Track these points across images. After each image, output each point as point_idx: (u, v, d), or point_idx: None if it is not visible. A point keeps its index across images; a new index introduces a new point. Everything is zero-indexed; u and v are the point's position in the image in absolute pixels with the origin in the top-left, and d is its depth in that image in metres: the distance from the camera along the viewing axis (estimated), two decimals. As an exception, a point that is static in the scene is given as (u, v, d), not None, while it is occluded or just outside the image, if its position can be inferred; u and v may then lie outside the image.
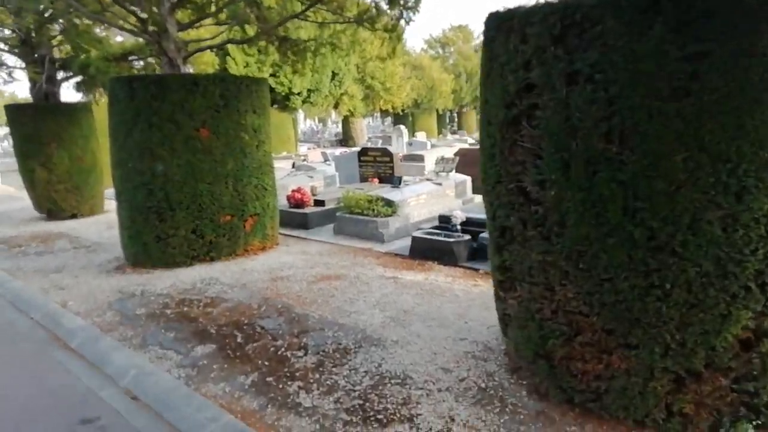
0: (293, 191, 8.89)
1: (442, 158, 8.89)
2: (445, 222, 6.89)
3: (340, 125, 35.36)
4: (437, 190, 8.29)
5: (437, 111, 34.11)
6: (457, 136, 26.65)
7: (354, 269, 6.25)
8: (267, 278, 6.03)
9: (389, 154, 9.87)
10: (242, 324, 4.70)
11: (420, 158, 15.44)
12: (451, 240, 6.26)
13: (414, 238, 6.63)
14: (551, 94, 2.76)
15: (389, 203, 7.65)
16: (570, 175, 2.73)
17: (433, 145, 18.58)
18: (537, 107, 2.87)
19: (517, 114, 3.00)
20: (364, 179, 10.30)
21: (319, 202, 8.88)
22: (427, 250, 6.50)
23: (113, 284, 6.12)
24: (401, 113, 31.96)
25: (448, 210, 8.15)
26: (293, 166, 14.05)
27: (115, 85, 6.71)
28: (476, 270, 6.00)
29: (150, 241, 6.60)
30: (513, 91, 2.99)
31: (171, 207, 6.53)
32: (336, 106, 26.75)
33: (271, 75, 20.17)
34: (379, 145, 20.69)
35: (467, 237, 6.28)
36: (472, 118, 39.03)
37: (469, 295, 5.18)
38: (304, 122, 50.15)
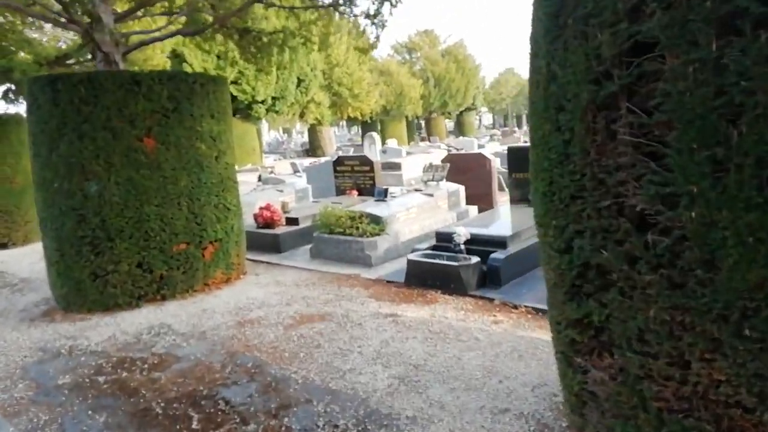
0: (261, 209, 7.68)
1: (431, 165, 7.85)
2: (444, 240, 5.80)
3: (305, 135, 34.13)
4: (428, 202, 7.21)
5: (407, 117, 33.24)
6: (428, 143, 25.77)
7: (341, 305, 5.08)
8: (233, 322, 4.81)
9: (369, 163, 8.76)
10: (200, 397, 3.48)
11: (397, 166, 14.38)
12: (458, 264, 5.17)
13: (411, 262, 5.51)
14: (688, 54, 1.70)
15: (376, 220, 6.52)
16: (728, 184, 1.66)
17: (408, 153, 17.57)
18: (656, 77, 1.80)
19: (615, 91, 1.93)
20: (341, 192, 9.15)
21: (291, 221, 7.69)
22: (427, 276, 5.39)
23: (35, 338, 4.80)
24: (369, 120, 30.94)
25: (442, 224, 7.08)
26: (259, 179, 12.79)
27: (34, 87, 5.41)
28: (491, 300, 4.92)
29: (84, 279, 5.31)
30: (608, 55, 1.92)
31: (109, 236, 5.26)
32: (302, 115, 25.54)
33: (232, 82, 18.84)
34: (351, 154, 19.57)
35: (476, 259, 5.21)
36: (441, 124, 38.33)
37: (491, 338, 4.09)
38: (268, 133, 48.67)
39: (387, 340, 4.16)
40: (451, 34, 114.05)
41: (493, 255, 5.30)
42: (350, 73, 25.74)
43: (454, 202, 7.64)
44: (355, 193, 8.77)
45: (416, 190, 7.54)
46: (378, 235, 6.46)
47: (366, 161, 8.79)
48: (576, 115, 2.10)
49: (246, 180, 12.55)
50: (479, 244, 5.54)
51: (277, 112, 20.78)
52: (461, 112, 39.10)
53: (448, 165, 7.75)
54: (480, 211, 7.93)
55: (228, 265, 6.02)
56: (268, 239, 7.43)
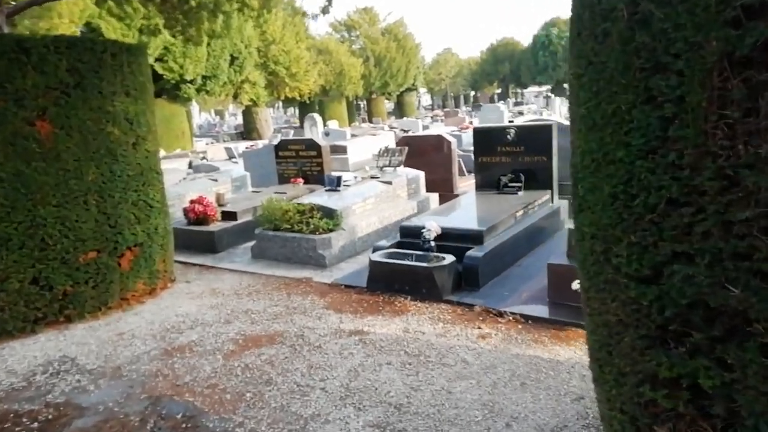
0: (192, 202, 6.62)
1: (387, 149, 7.05)
2: (410, 236, 5.04)
3: (239, 117, 32.38)
4: (387, 190, 6.41)
5: (347, 98, 32.15)
6: (371, 124, 24.88)
7: (293, 320, 4.22)
8: (157, 351, 3.85)
9: (316, 148, 7.83)
10: (109, 475, 2.56)
11: (342, 150, 13.48)
12: (431, 265, 4.41)
13: (374, 263, 4.71)
14: None
15: (329, 213, 5.65)
16: None
17: (353, 135, 16.65)
18: None
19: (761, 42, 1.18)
20: (284, 180, 8.18)
21: (228, 215, 6.69)
22: (393, 280, 4.61)
23: None
24: (308, 101, 29.63)
25: (402, 215, 6.31)
26: (190, 166, 11.54)
27: None
28: (470, 307, 4.20)
29: (-39, 302, 4.16)
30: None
31: (-9, 246, 4.12)
32: (236, 96, 23.97)
33: (157, 59, 17.18)
34: (292, 137, 18.43)
35: (451, 258, 4.47)
36: (382, 104, 37.49)
37: (483, 360, 3.37)
38: (199, 115, 46.17)
39: (356, 369, 3.35)
40: (390, 11, 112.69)
41: (469, 253, 4.58)
42: (287, 51, 24.34)
43: (413, 190, 6.88)
44: (300, 181, 7.84)
45: (372, 177, 6.71)
46: (332, 230, 5.60)
47: (312, 145, 7.86)
48: (691, 79, 1.34)
49: (174, 167, 11.28)
50: (451, 240, 4.81)
51: (208, 92, 19.23)
52: (402, 93, 38.40)
53: (406, 148, 6.96)
54: (441, 199, 7.22)
55: (152, 274, 4.99)
56: (202, 238, 6.40)
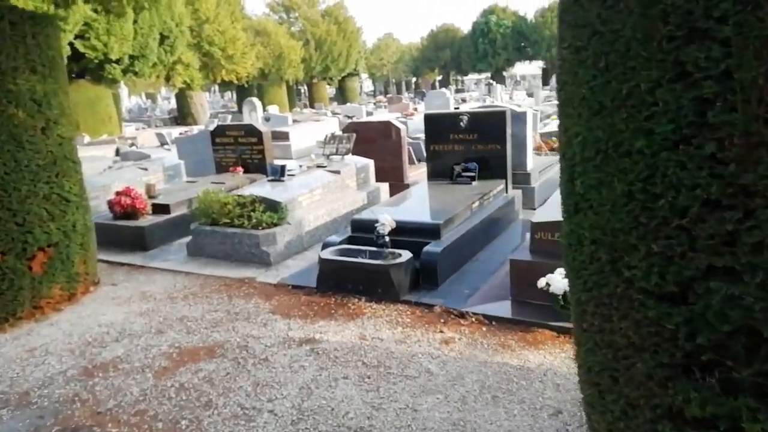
0: (119, 194, 5.98)
1: (333, 136, 6.63)
2: (362, 230, 4.69)
3: (173, 101, 30.78)
4: (335, 180, 6.01)
5: (287, 82, 31.16)
6: (313, 110, 24.21)
7: (236, 327, 3.79)
8: (75, 370, 3.33)
9: (257, 134, 7.29)
10: None
11: (284, 136, 12.89)
12: (387, 263, 4.08)
13: (324, 261, 4.33)
14: None
15: (273, 206, 5.20)
16: None
17: (295, 121, 16.02)
18: None
19: None
20: (222, 169, 7.60)
21: (160, 208, 6.09)
22: (346, 279, 4.26)
23: None
24: (246, 85, 28.50)
25: (351, 207, 5.95)
26: (117, 153, 10.66)
27: None
28: (430, 308, 3.91)
29: None
30: None
31: None
32: (168, 78, 22.63)
33: (78, 37, 15.83)
34: (229, 122, 17.55)
35: (408, 255, 4.16)
36: (323, 89, 36.71)
37: (448, 369, 3.08)
38: (129, 99, 43.70)
39: (308, 386, 2.98)
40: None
41: (427, 248, 4.28)
42: (222, 32, 23.16)
43: (363, 180, 6.52)
44: (240, 170, 7.30)
45: (318, 166, 6.29)
46: (277, 225, 5.16)
47: (253, 131, 7.31)
48: (743, 49, 1.06)
49: (100, 155, 10.37)
50: (406, 234, 4.49)
51: (136, 73, 17.96)
52: (343, 78, 37.73)
53: (354, 135, 6.57)
54: (392, 189, 6.90)
55: (70, 278, 4.40)
56: (130, 234, 5.79)
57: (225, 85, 32.72)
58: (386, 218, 4.45)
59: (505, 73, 48.86)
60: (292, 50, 29.08)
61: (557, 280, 3.46)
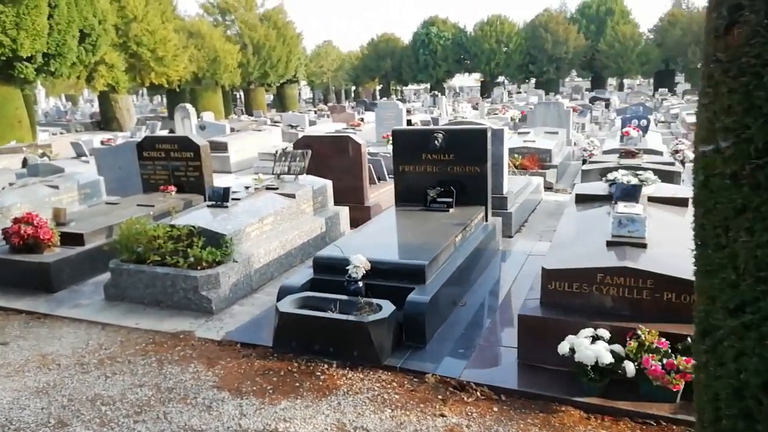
0: (17, 222, 4.82)
1: (284, 153, 5.73)
2: (328, 270, 3.87)
3: (96, 103, 28.46)
4: (289, 206, 5.12)
5: (223, 88, 29.56)
6: (252, 118, 22.93)
7: (168, 414, 2.85)
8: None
9: (193, 148, 6.27)
10: None
11: (222, 146, 11.78)
12: (366, 319, 3.26)
13: (283, 316, 3.45)
14: None
15: (216, 240, 4.27)
16: None
17: (233, 129, 14.82)
18: None
19: None
20: (151, 188, 6.51)
21: (71, 238, 4.98)
22: (312, 337, 3.41)
23: None
24: (178, 89, 26.74)
25: (308, 237, 5.10)
26: (24, 165, 9.20)
27: None
28: (421, 376, 3.14)
29: None
30: None
31: None
32: (90, 79, 20.72)
33: (-19, 30, 13.94)
34: (159, 130, 16.09)
35: (389, 307, 3.36)
36: (262, 96, 35.25)
37: (466, 479, 2.30)
38: (47, 101, 40.41)
39: None
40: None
41: (412, 298, 3.50)
42: (152, 31, 21.47)
43: (320, 204, 5.66)
44: (173, 189, 6.25)
45: (268, 188, 5.37)
46: (220, 263, 4.23)
47: (188, 145, 6.28)
48: None
49: (3, 167, 8.90)
50: (383, 277, 3.70)
51: (53, 73, 16.12)
52: (282, 85, 36.41)
53: (309, 152, 5.70)
54: (352, 213, 6.08)
55: (-62, 344, 3.29)
56: (31, 271, 4.66)
57: (154, 89, 30.70)
58: (360, 259, 3.63)
59: (444, 85, 49.19)
60: (228, 54, 27.60)
61: (585, 347, 2.77)
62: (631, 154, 5.88)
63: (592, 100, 26.55)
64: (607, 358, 2.69)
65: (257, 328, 3.84)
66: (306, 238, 5.17)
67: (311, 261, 4.09)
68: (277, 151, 5.81)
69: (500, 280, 4.55)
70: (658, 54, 40.22)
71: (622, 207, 3.74)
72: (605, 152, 8.61)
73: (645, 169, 4.44)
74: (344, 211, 5.89)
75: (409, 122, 12.94)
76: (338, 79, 50.57)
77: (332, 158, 6.54)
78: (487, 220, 5.10)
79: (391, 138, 7.75)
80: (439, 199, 5.02)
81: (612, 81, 48.46)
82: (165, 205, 5.81)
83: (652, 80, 45.09)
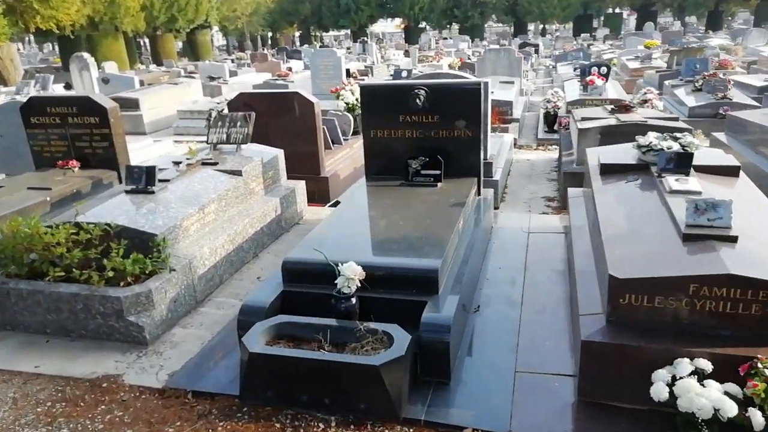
0: None
1: (221, 116, 4.53)
2: (305, 279, 2.91)
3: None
4: (235, 186, 4.00)
5: (125, 34, 26.30)
6: (163, 68, 20.49)
7: None
8: None
9: (99, 111, 4.89)
10: None
11: (132, 103, 10.09)
12: (376, 361, 2.35)
13: (255, 358, 2.46)
14: None
15: (144, 242, 3.13)
16: None
17: (142, 83, 12.88)
18: None
19: None
20: (45, 162, 5.09)
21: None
22: (297, 385, 2.46)
23: None
24: (72, 36, 23.44)
25: (261, 224, 4.07)
26: None
27: None
28: (459, 431, 2.30)
29: None
30: None
31: None
32: (-41, 24, 17.44)
33: None
34: (53, 89, 13.73)
35: (404, 338, 2.46)
36: (171, 43, 32.00)
37: None
38: None
39: None
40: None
41: (428, 319, 2.61)
42: (33, -33, 18.29)
43: (272, 179, 4.56)
44: (75, 164, 4.89)
45: (205, 162, 4.20)
46: (152, 274, 3.12)
47: (92, 107, 4.87)
48: None
49: None
50: (381, 286, 2.79)
51: None
52: (192, 30, 33.16)
53: (253, 115, 4.53)
54: (308, 185, 5.04)
55: None
56: None
57: (43, 35, 26.89)
58: (353, 269, 2.68)
59: (367, 30, 47.25)
60: (128, -5, 24.38)
61: (695, 392, 2.03)
62: (625, 108, 5.21)
63: (521, 45, 26.15)
64: (733, 410, 1.97)
65: (211, 362, 2.84)
66: (259, 226, 4.11)
67: (269, 261, 3.07)
68: (210, 114, 4.60)
69: (509, 269, 3.75)
70: (578, -2, 40.38)
71: (674, 181, 3.00)
72: (570, 103, 7.98)
73: (680, 130, 3.74)
74: (300, 186, 4.83)
75: (348, 72, 11.72)
76: (254, 25, 47.07)
77: (277, 120, 5.40)
78: (479, 194, 4.26)
79: (352, 94, 6.66)
80: (423, 172, 4.10)
81: (531, 27, 48.53)
82: (66, 187, 4.51)
83: (571, 25, 45.58)
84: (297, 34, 53.00)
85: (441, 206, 3.62)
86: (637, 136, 3.60)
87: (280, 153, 4.67)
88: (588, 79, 7.96)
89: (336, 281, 2.69)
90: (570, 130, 6.03)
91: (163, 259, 3.18)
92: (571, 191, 4.16)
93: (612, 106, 5.37)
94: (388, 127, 4.26)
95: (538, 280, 3.50)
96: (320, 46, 37.26)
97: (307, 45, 39.47)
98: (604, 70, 8.58)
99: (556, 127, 7.97)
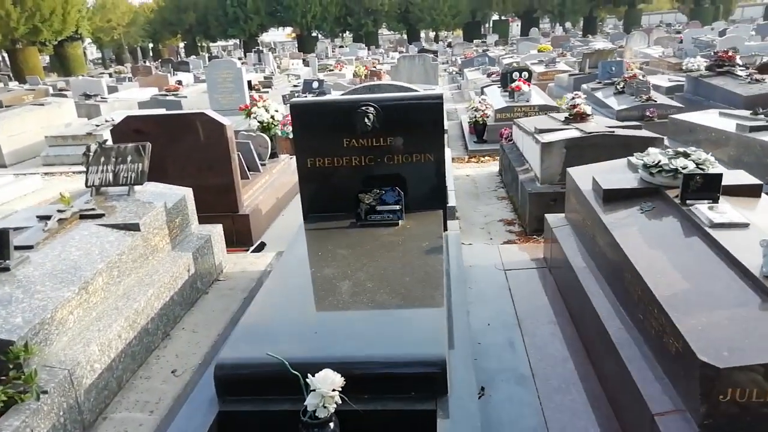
0: None
1: (102, 149, 3.37)
2: (246, 393, 1.97)
3: None
4: (131, 247, 2.93)
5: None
6: (27, 86, 17.88)
7: None
8: None
9: None
10: None
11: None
12: None
13: None
14: None
15: (-12, 364, 2.03)
16: None
17: (2, 104, 10.83)
18: None
19: None
20: None
21: None
22: None
23: None
24: None
25: (168, 291, 3.06)
26: None
27: None
28: None
29: None
30: None
31: None
32: None
33: None
34: None
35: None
36: (35, 58, 28.48)
37: None
38: None
39: None
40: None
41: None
42: None
43: (180, 228, 3.51)
44: None
45: (83, 214, 3.07)
46: (10, 405, 2.02)
47: None
48: None
49: None
50: (363, 391, 1.93)
51: None
52: (61, 43, 29.76)
53: (148, 147, 3.46)
54: (225, 227, 4.03)
55: None
56: None
57: None
58: (328, 379, 1.80)
59: (258, 40, 45.63)
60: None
61: None
62: (580, 117, 4.75)
63: (420, 52, 26.18)
64: None
65: None
66: (167, 295, 3.07)
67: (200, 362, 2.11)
68: (89, 148, 3.45)
69: (500, 326, 3.03)
70: (466, 6, 41.65)
71: (708, 211, 2.43)
72: (498, 111, 7.55)
73: (653, 139, 3.25)
74: (216, 232, 3.81)
75: (249, 83, 10.61)
76: (132, 36, 43.65)
77: (177, 148, 4.33)
78: (446, 228, 3.52)
79: (267, 111, 5.68)
80: (380, 208, 3.29)
81: (423, 34, 49.45)
82: None
83: (461, 32, 46.98)
84: (182, 44, 50.13)
85: (413, 255, 2.83)
86: (636, 154, 3.05)
87: (188, 192, 3.63)
88: (514, 85, 7.57)
89: (306, 399, 1.80)
90: (516, 142, 5.50)
91: (27, 379, 2.10)
92: (552, 219, 3.54)
93: (566, 115, 4.90)
94: (329, 155, 3.40)
95: (540, 341, 2.82)
96: (209, 57, 35.20)
97: (194, 56, 37.14)
98: (525, 75, 8.28)
99: (485, 137, 7.51)
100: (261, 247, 4.48)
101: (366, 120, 3.27)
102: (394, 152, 3.35)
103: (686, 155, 2.83)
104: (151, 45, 49.99)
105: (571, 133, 4.33)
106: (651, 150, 2.98)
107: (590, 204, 2.92)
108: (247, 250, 4.35)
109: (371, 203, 3.29)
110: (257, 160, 5.12)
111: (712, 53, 9.10)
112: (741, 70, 8.00)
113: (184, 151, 4.33)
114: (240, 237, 4.45)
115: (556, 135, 4.32)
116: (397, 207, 3.28)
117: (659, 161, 2.80)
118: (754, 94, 6.98)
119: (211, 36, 44.75)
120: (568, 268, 2.99)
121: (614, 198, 2.87)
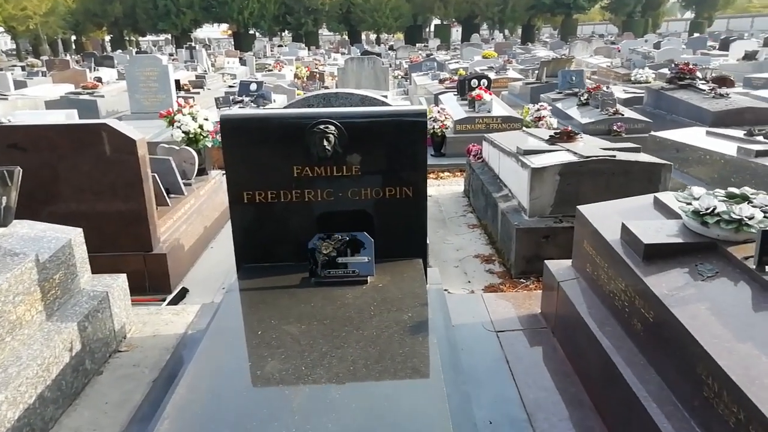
0: None
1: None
2: None
3: None
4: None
5: None
6: None
7: None
8: None
9: None
10: None
11: None
12: None
13: None
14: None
15: None
16: None
17: None
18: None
19: None
20: None
21: None
22: None
23: None
24: None
25: (42, 387, 2.04)
26: None
27: None
28: None
29: None
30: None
31: None
32: None
33: None
34: None
35: None
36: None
37: None
38: None
39: None
40: None
41: None
42: None
43: (60, 287, 2.52)
44: None
45: None
46: None
47: None
48: None
49: None
50: None
51: None
52: (-34, 31, 26.82)
53: (18, 171, 2.47)
54: (132, 273, 3.06)
55: None
56: None
57: None
58: None
59: (192, 36, 43.44)
60: None
61: None
62: (567, 136, 4.11)
63: (363, 54, 25.43)
64: None
65: None
66: (35, 392, 2.10)
67: None
68: None
69: (505, 425, 2.27)
70: (408, 9, 41.33)
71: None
72: (458, 122, 6.88)
73: (661, 166, 2.62)
74: (118, 285, 2.83)
75: (177, 83, 9.43)
76: (51, 26, 40.30)
77: (72, 168, 3.31)
78: (426, 279, 2.73)
79: (194, 119, 4.70)
80: (341, 260, 2.45)
81: (363, 36, 48.78)
82: None
83: (402, 35, 46.65)
84: (107, 38, 47.09)
85: (392, 334, 2.02)
86: (675, 194, 2.37)
87: (74, 235, 2.64)
88: (475, 93, 6.92)
89: None
90: (488, 161, 4.81)
91: None
92: (555, 268, 2.83)
93: (551, 133, 4.25)
94: (273, 187, 2.53)
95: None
96: (136, 52, 32.97)
97: (120, 50, 34.67)
98: (485, 82, 7.66)
99: (444, 150, 6.81)
100: (182, 295, 3.53)
101: (325, 142, 2.43)
102: (362, 185, 2.53)
103: (745, 198, 2.18)
104: (73, 37, 46.55)
105: (565, 156, 3.66)
106: (695, 190, 2.31)
107: (624, 262, 2.21)
108: (163, 301, 3.38)
109: (330, 253, 2.45)
110: (179, 180, 4.14)
111: (673, 65, 8.86)
112: (702, 83, 7.74)
113: (82, 173, 3.32)
114: (154, 282, 3.47)
115: (546, 158, 3.64)
116: (366, 259, 2.46)
117: (714, 207, 2.13)
118: (722, 110, 6.66)
119: (139, 30, 42.15)
120: (590, 342, 2.28)
121: (657, 255, 2.17)
